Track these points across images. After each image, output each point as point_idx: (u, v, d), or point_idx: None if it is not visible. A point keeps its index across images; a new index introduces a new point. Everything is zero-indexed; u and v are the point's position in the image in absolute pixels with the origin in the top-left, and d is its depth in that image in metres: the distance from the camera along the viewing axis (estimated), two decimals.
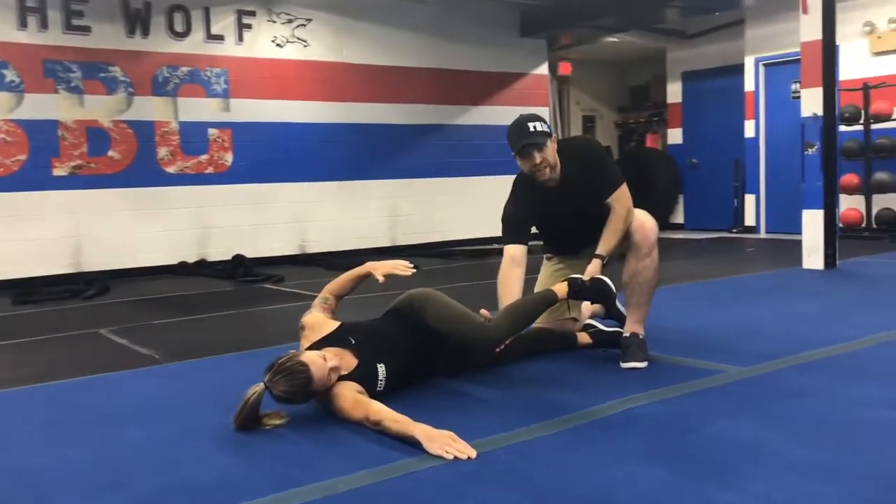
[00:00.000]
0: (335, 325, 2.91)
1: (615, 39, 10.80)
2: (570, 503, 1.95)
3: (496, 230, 10.40)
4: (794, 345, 3.53)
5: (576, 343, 3.63)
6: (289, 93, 8.34)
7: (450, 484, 2.10)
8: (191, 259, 7.78)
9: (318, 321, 2.93)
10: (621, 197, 3.45)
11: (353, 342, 2.83)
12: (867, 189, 8.72)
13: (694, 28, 10.93)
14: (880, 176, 8.70)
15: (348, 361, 2.79)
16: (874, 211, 8.79)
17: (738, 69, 10.33)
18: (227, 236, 8.00)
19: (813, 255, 6.31)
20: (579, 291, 3.19)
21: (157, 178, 7.62)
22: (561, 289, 3.19)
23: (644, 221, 3.45)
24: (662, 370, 3.22)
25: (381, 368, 2.83)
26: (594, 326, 3.72)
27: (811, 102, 6.25)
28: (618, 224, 3.41)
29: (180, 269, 7.63)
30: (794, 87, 9.84)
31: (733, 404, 2.71)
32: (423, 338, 3.01)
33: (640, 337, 3.40)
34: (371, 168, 8.96)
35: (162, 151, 7.65)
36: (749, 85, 10.22)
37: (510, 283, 3.43)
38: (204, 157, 7.88)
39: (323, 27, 8.56)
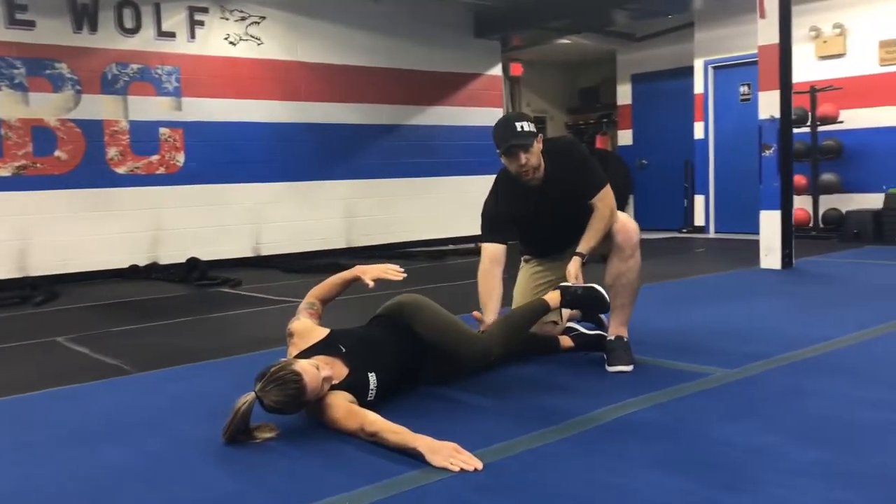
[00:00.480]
0: (325, 332, 2.81)
1: (567, 41, 10.86)
2: None
3: (454, 231, 10.46)
4: (775, 346, 3.56)
5: (558, 346, 3.59)
6: (242, 92, 8.16)
7: (462, 497, 2.03)
8: (142, 262, 7.54)
9: (307, 328, 2.83)
10: (605, 197, 3.44)
11: (344, 350, 2.74)
12: (814, 190, 8.93)
13: (643, 31, 11.07)
14: (827, 177, 8.92)
15: (339, 370, 2.70)
16: (821, 211, 9.01)
17: (688, 72, 10.49)
18: (179, 239, 7.78)
19: (771, 255, 6.41)
20: (572, 300, 3.16)
21: (107, 178, 7.36)
22: (553, 298, 3.16)
23: (626, 223, 3.44)
24: (649, 373, 3.20)
25: (372, 377, 2.75)
26: (576, 330, 3.69)
27: (768, 105, 6.35)
28: (600, 224, 3.40)
29: (131, 273, 7.38)
30: (742, 89, 10.06)
31: (730, 407, 2.70)
32: (412, 345, 2.94)
33: (625, 340, 3.38)
34: (327, 168, 8.82)
35: (111, 151, 7.39)
36: (698, 87, 10.38)
37: (491, 281, 3.41)
38: (155, 158, 7.64)
39: (277, 25, 8.39)
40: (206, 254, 7.75)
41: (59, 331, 4.70)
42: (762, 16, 6.32)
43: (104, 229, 7.35)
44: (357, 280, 3.09)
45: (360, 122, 9.08)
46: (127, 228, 7.48)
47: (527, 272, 3.78)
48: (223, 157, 8.04)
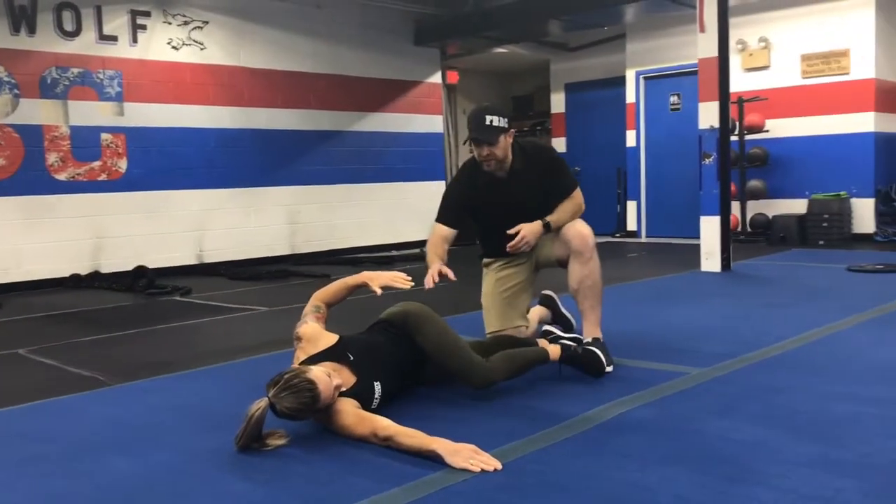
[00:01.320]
0: (334, 339, 2.85)
1: (504, 51, 11.07)
2: None
3: (397, 237, 10.60)
4: (738, 345, 3.76)
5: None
6: (186, 97, 8.05)
7: (490, 497, 2.12)
8: (83, 271, 7.35)
9: (316, 333, 2.86)
10: (576, 196, 3.68)
11: (352, 359, 2.79)
12: (742, 196, 9.34)
13: (576, 42, 11.38)
14: (754, 183, 9.36)
15: (347, 378, 2.75)
16: (749, 216, 9.44)
17: (620, 81, 10.83)
18: (121, 247, 7.62)
19: (711, 259, 6.71)
20: (572, 359, 3.28)
21: (47, 185, 7.16)
22: (554, 351, 3.28)
23: (580, 228, 3.59)
24: (628, 374, 3.34)
25: (378, 387, 2.81)
26: (553, 333, 3.81)
27: (708, 115, 6.65)
28: (570, 206, 3.64)
29: (73, 283, 7.19)
30: (672, 99, 10.45)
31: (715, 404, 2.87)
32: (414, 354, 3.00)
33: (601, 341, 3.52)
34: (270, 174, 8.77)
35: (51, 157, 7.19)
36: (630, 97, 10.73)
37: (439, 247, 3.60)
38: (97, 164, 7.47)
39: (220, 30, 8.31)
40: (150, 262, 7.61)
41: (17, 343, 4.58)
42: (702, 30, 6.61)
43: (44, 237, 7.15)
44: (364, 286, 3.12)
45: (303, 128, 9.06)
46: (67, 236, 7.29)
47: (491, 279, 3.86)
48: (166, 163, 7.92)
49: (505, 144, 3.51)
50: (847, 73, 8.85)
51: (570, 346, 3.35)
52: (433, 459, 2.37)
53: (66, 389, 3.46)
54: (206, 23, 8.19)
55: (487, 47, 10.94)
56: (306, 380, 2.52)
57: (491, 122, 3.45)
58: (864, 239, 8.82)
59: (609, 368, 3.37)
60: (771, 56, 9.38)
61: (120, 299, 6.41)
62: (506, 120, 3.50)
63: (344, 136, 9.48)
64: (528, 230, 3.51)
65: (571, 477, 2.23)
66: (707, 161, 6.73)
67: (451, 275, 3.50)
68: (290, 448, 2.54)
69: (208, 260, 8.24)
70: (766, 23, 9.32)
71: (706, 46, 6.60)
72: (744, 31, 9.40)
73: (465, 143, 3.61)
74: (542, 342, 3.74)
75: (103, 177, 7.51)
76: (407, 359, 2.99)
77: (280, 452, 2.51)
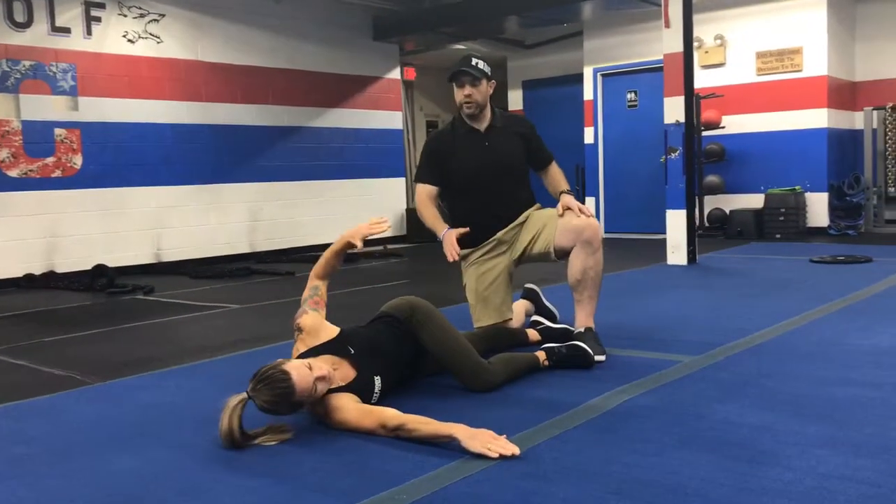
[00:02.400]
0: (335, 331, 2.79)
1: (462, 47, 11.05)
2: (648, 490, 2.00)
3: None
4: (721, 335, 3.79)
5: (527, 340, 3.70)
6: (142, 91, 7.84)
7: (515, 484, 2.08)
8: (38, 270, 7.10)
9: (317, 325, 2.78)
10: (556, 166, 3.88)
11: (353, 352, 2.73)
12: (700, 191, 9.48)
13: (533, 39, 11.42)
14: (711, 178, 9.51)
15: (346, 372, 2.69)
16: (706, 211, 9.59)
17: (578, 79, 10.90)
18: (77, 245, 7.38)
19: (677, 252, 6.80)
20: (559, 361, 3.26)
21: None
22: (542, 356, 3.26)
23: (591, 221, 3.59)
24: (621, 363, 3.34)
25: (378, 381, 2.76)
26: (542, 323, 3.81)
27: (673, 110, 6.73)
28: (563, 174, 3.83)
29: (26, 282, 6.94)
30: (629, 96, 10.56)
31: (715, 390, 2.88)
32: (414, 348, 2.95)
33: (594, 330, 3.53)
34: (230, 171, 8.60)
35: (2, 153, 6.93)
36: (588, 94, 10.81)
37: (432, 209, 3.75)
38: (50, 160, 7.22)
39: (177, 23, 8.12)
40: (106, 260, 7.38)
41: None
42: (667, 25, 6.69)
43: None
44: (350, 246, 3.08)
45: (262, 124, 8.92)
46: (20, 235, 7.03)
47: (473, 274, 3.80)
48: (123, 159, 7.70)
49: (485, 90, 3.63)
50: (800, 71, 9.05)
51: (553, 349, 3.32)
52: (445, 446, 2.33)
53: (43, 389, 3.32)
54: (163, 16, 7.99)
55: (445, 44, 10.92)
56: (281, 371, 2.45)
57: (476, 63, 3.59)
58: (819, 232, 9.03)
59: (601, 358, 3.37)
60: (726, 53, 9.54)
61: (80, 299, 6.21)
62: (489, 68, 3.63)
63: (304, 131, 9.36)
64: (572, 201, 3.61)
65: (591, 463, 2.21)
66: (673, 156, 6.81)
67: (462, 231, 3.64)
68: (293, 444, 2.47)
69: (167, 259, 8.04)
70: (721, 21, 9.48)
71: (671, 42, 6.69)
72: (700, 28, 9.50)
73: (448, 80, 3.64)
74: (532, 333, 3.75)
75: (57, 173, 7.27)
76: (408, 353, 2.95)
77: (283, 448, 2.44)
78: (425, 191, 3.76)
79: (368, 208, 10.04)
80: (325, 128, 9.59)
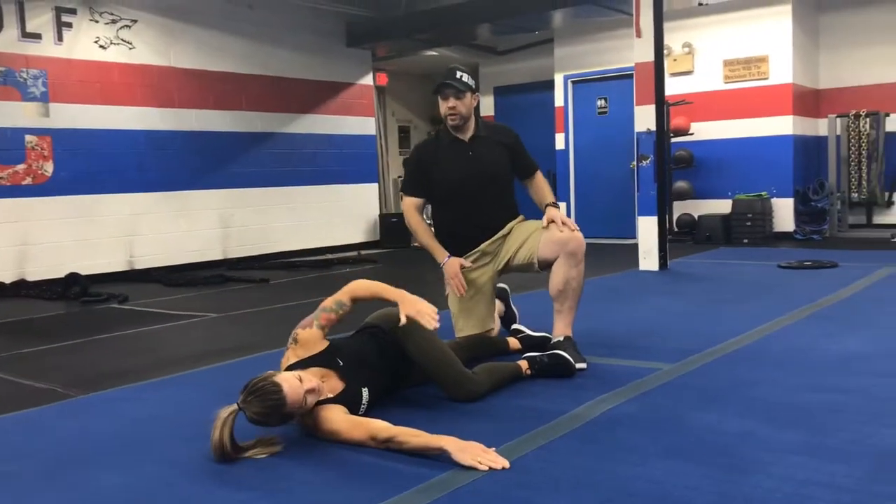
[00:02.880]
0: (325, 344, 2.80)
1: (434, 53, 11.11)
2: (635, 500, 2.06)
3: (330, 240, 10.63)
4: (697, 341, 3.88)
5: (507, 349, 3.75)
6: (114, 98, 7.78)
7: (506, 495, 2.13)
8: (8, 279, 7.02)
9: (313, 339, 2.78)
10: (541, 176, 3.92)
11: (341, 364, 2.76)
12: (669, 196, 9.62)
13: (505, 45, 11.51)
14: (680, 184, 9.66)
15: (333, 384, 2.72)
16: (675, 216, 9.74)
17: (549, 85, 11.01)
18: (48, 253, 7.31)
19: (649, 258, 6.91)
20: (541, 370, 3.32)
21: None
22: (524, 365, 3.31)
23: (576, 232, 3.64)
24: (601, 372, 3.40)
25: (365, 392, 2.79)
26: (522, 331, 3.87)
27: (645, 118, 6.84)
28: (549, 185, 3.87)
29: None
30: (599, 103, 10.69)
31: (695, 398, 2.96)
32: (400, 359, 2.98)
33: (572, 339, 3.58)
34: (202, 177, 8.56)
35: None
36: (559, 100, 10.92)
37: (425, 225, 3.82)
38: (21, 167, 7.14)
39: (149, 29, 8.07)
40: (78, 268, 7.30)
41: None
42: (638, 35, 6.80)
43: None
44: (391, 303, 2.92)
45: (235, 130, 8.89)
46: None
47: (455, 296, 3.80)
48: (94, 166, 7.63)
49: (469, 103, 3.69)
50: (767, 78, 9.24)
51: (535, 358, 3.38)
52: (435, 457, 2.37)
53: (24, 403, 3.30)
54: (135, 21, 7.94)
55: (417, 50, 10.97)
56: (272, 383, 2.47)
57: (461, 76, 3.66)
58: (785, 237, 9.22)
59: (582, 366, 3.43)
60: (695, 61, 9.71)
61: (53, 308, 6.16)
62: (473, 82, 3.70)
63: (277, 137, 9.34)
64: (557, 214, 3.64)
65: (578, 472, 2.27)
66: (644, 163, 6.92)
67: (466, 263, 3.72)
68: (283, 456, 2.49)
69: (139, 266, 7.98)
70: (689, 29, 9.63)
71: (642, 51, 6.79)
72: (669, 37, 9.58)
73: (433, 92, 3.71)
74: (513, 342, 3.81)
75: (28, 181, 7.19)
76: (393, 364, 2.98)
77: (274, 461, 2.46)
78: (413, 204, 3.80)
79: (341, 214, 10.06)
80: (298, 133, 9.58)
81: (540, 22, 10.07)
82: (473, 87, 3.69)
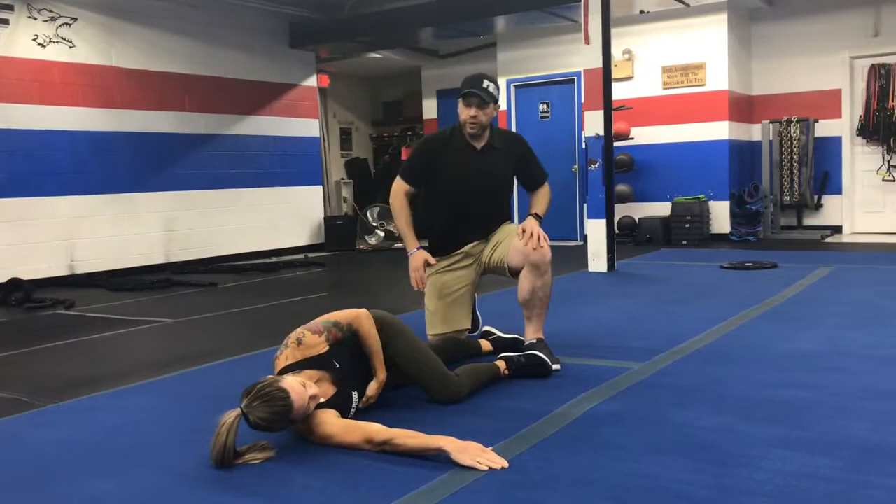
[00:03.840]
0: (325, 349, 2.78)
1: (378, 56, 11.12)
2: (637, 496, 2.13)
3: (275, 243, 10.62)
4: (661, 340, 4.00)
5: (480, 350, 3.80)
6: (54, 97, 7.55)
7: (510, 494, 2.18)
8: None
9: (316, 343, 2.76)
10: (547, 187, 3.93)
11: (337, 367, 2.76)
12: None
13: (447, 49, 11.59)
14: (621, 188, 9.87)
15: (326, 389, 2.72)
16: (617, 218, 9.94)
17: None
18: None
19: (597, 260, 7.06)
20: (518, 369, 3.38)
21: None
22: (502, 365, 3.36)
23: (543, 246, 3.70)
24: (575, 371, 3.48)
25: (355, 396, 2.81)
26: (493, 333, 3.93)
27: (593, 123, 6.99)
28: (547, 200, 3.87)
29: None
30: (541, 107, 10.86)
31: (672, 396, 3.06)
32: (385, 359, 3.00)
33: (544, 341, 3.65)
34: (145, 180, 8.38)
35: None
36: (502, 104, 11.02)
37: (408, 211, 3.80)
38: None
39: (90, 27, 7.86)
40: (17, 273, 7.07)
41: None
42: (587, 42, 6.94)
43: None
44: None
45: (179, 132, 8.72)
46: None
47: (436, 283, 3.85)
48: (33, 168, 7.40)
49: (491, 113, 3.70)
50: (703, 85, 9.54)
51: (512, 358, 3.44)
52: (432, 458, 2.40)
53: None
54: (75, 19, 7.72)
55: (361, 52, 10.95)
56: (279, 388, 2.46)
57: (488, 86, 3.66)
58: (721, 238, 9.53)
59: (557, 367, 3.50)
60: (634, 68, 9.95)
61: None
62: (498, 92, 3.71)
63: (220, 139, 9.20)
64: (531, 225, 3.62)
65: (576, 470, 2.33)
66: (593, 167, 7.07)
67: (431, 260, 3.73)
68: (280, 461, 2.49)
69: (81, 270, 7.77)
70: (629, 36, 9.87)
71: (591, 58, 6.93)
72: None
73: (459, 96, 3.68)
74: (485, 343, 3.86)
75: None
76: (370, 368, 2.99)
77: (270, 466, 2.46)
78: (403, 188, 3.80)
79: (286, 217, 9.98)
80: (243, 135, 9.47)
81: (483, 27, 10.17)
82: (497, 98, 3.70)
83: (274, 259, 9.27)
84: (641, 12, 9.36)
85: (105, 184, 7.99)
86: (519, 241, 3.65)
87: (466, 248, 3.82)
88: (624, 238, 9.80)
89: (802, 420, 2.71)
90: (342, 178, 12.17)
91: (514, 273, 3.72)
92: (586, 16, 6.87)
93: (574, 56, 10.10)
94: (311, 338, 2.77)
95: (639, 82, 9.92)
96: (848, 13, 9.38)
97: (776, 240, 9.39)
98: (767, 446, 2.46)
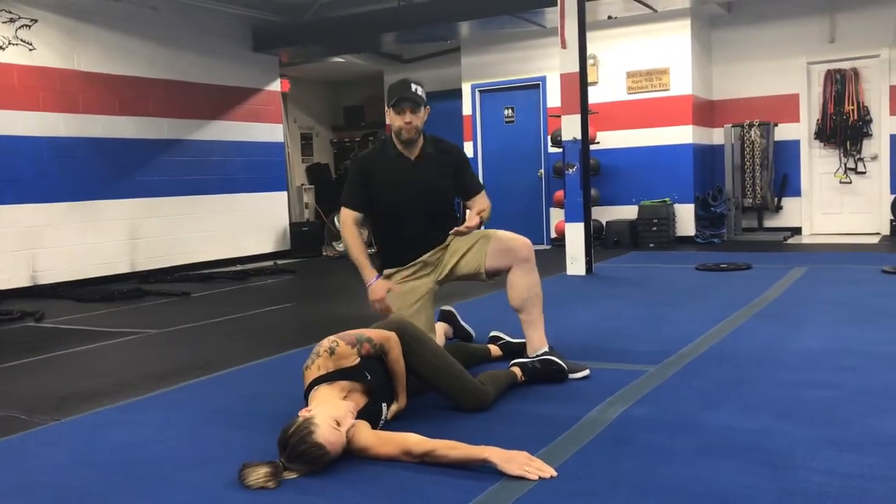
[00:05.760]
0: (356, 360, 2.70)
1: (341, 60, 11.00)
2: (701, 500, 2.11)
3: (243, 250, 10.46)
4: (666, 343, 4.00)
5: (490, 356, 3.76)
6: (12, 101, 7.27)
7: (570, 502, 2.14)
8: None
9: (348, 354, 2.67)
10: (484, 196, 3.82)
11: (369, 378, 2.68)
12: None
13: (411, 53, 11.53)
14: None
15: (358, 399, 2.65)
16: None
17: (457, 94, 11.09)
18: None
19: (576, 263, 7.08)
20: (534, 376, 3.33)
21: None
22: (518, 371, 3.31)
23: (521, 238, 3.68)
24: (591, 376, 3.45)
25: (385, 408, 2.74)
26: (501, 338, 3.88)
27: (571, 127, 7.00)
28: (486, 204, 3.72)
29: None
30: (506, 112, 10.87)
31: (698, 398, 3.05)
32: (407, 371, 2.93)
33: (554, 349, 3.60)
34: (109, 186, 8.12)
35: None
36: (467, 109, 11.02)
37: (360, 240, 3.71)
38: None
39: (50, 29, 7.59)
40: None
41: None
42: (563, 46, 6.95)
43: None
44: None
45: (143, 137, 8.49)
46: None
47: (396, 295, 3.71)
48: None
49: (423, 116, 3.62)
50: (667, 90, 9.66)
51: (527, 364, 3.40)
52: (476, 469, 2.34)
53: None
54: (35, 21, 7.45)
55: (324, 56, 10.83)
56: (314, 445, 2.35)
57: (416, 90, 3.58)
58: (687, 241, 9.66)
59: (585, 373, 3.42)
60: (599, 73, 10.03)
61: None
62: (424, 96, 3.62)
63: (184, 144, 8.98)
64: (472, 223, 3.53)
65: (628, 476, 2.29)
66: (570, 171, 7.09)
67: (395, 287, 3.65)
68: (322, 477, 2.38)
69: (43, 281, 7.49)
70: (594, 41, 9.82)
71: (568, 62, 6.95)
72: None
73: (389, 106, 3.61)
74: (494, 349, 3.82)
75: None
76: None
77: (308, 482, 2.34)
78: (351, 217, 3.69)
79: (252, 223, 9.79)
80: (207, 140, 9.26)
81: (447, 31, 10.15)
82: (426, 100, 3.63)
83: (241, 267, 9.08)
84: (610, 17, 9.43)
85: (67, 191, 7.73)
86: (497, 243, 3.62)
87: (423, 257, 3.71)
88: (592, 241, 9.84)
89: (837, 419, 2.72)
90: (303, 184, 12.00)
91: (492, 275, 3.67)
92: (562, 20, 6.88)
93: (539, 60, 10.17)
94: (344, 348, 2.68)
95: (604, 87, 9.99)
96: (804, 20, 9.62)
97: (740, 241, 9.55)
98: (812, 447, 2.45)
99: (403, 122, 3.56)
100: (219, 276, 8.17)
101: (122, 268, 8.22)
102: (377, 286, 3.64)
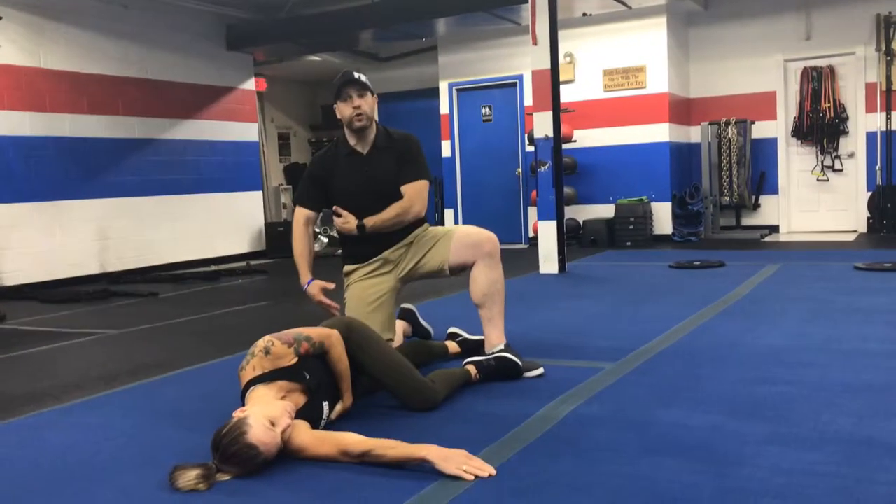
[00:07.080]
0: (295, 360, 2.62)
1: (317, 59, 10.93)
2: (638, 500, 2.05)
3: (216, 251, 10.35)
4: (625, 340, 3.95)
5: (447, 353, 3.70)
6: None
7: (505, 502, 2.08)
8: None
9: (285, 354, 2.61)
10: (418, 189, 3.61)
11: (308, 378, 2.61)
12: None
13: (388, 52, 11.47)
14: (564, 190, 9.89)
15: (297, 399, 2.58)
16: None
17: (434, 93, 11.04)
18: None
19: (548, 261, 7.03)
20: (489, 374, 3.28)
21: None
22: (472, 370, 3.26)
23: (487, 233, 3.58)
24: (547, 373, 3.37)
25: (326, 407, 2.67)
26: (460, 335, 3.82)
27: (543, 125, 6.95)
28: (396, 209, 3.55)
29: None
30: (484, 110, 10.82)
31: (651, 395, 3.00)
32: (354, 371, 2.86)
33: (510, 346, 3.54)
34: (77, 186, 8.02)
35: None
36: (444, 108, 10.97)
37: (306, 241, 3.68)
38: None
39: (16, 26, 7.48)
40: None
41: None
42: (534, 42, 6.91)
43: None
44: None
45: (112, 136, 8.38)
46: None
47: (355, 291, 3.66)
48: None
49: (372, 103, 3.53)
50: (644, 88, 9.63)
51: (482, 362, 3.34)
52: (413, 469, 2.29)
53: None
54: (0, 18, 7.34)
55: (299, 54, 10.75)
56: (247, 446, 2.28)
57: (360, 77, 3.49)
58: (664, 239, 9.63)
59: (539, 371, 3.37)
60: (575, 70, 10.00)
61: None
62: (369, 84, 3.53)
63: (156, 144, 8.88)
64: (349, 229, 3.54)
65: (568, 475, 2.24)
66: (542, 169, 7.04)
67: (328, 285, 3.61)
68: (255, 480, 2.32)
69: (9, 283, 7.37)
70: (570, 39, 9.87)
71: (539, 59, 6.90)
72: None
73: (335, 100, 3.50)
74: (452, 346, 3.76)
75: None
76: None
77: (241, 483, 2.29)
78: (303, 215, 3.67)
79: (225, 224, 9.70)
80: (179, 140, 9.16)
81: (423, 29, 10.10)
82: (372, 89, 3.54)
83: (214, 267, 8.99)
84: (584, 14, 9.40)
85: (34, 191, 7.62)
86: (461, 237, 3.55)
87: (385, 253, 3.63)
88: (569, 240, 9.71)
89: (788, 416, 2.67)
90: (281, 184, 11.92)
91: (456, 271, 3.60)
92: (533, 16, 6.84)
93: (517, 59, 10.12)
94: (280, 348, 2.61)
95: (580, 85, 9.96)
96: (781, 17, 9.61)
97: (717, 239, 9.53)
98: (759, 444, 2.41)
99: (352, 108, 3.45)
100: (189, 277, 8.08)
101: (92, 269, 8.12)
102: (311, 288, 3.60)
